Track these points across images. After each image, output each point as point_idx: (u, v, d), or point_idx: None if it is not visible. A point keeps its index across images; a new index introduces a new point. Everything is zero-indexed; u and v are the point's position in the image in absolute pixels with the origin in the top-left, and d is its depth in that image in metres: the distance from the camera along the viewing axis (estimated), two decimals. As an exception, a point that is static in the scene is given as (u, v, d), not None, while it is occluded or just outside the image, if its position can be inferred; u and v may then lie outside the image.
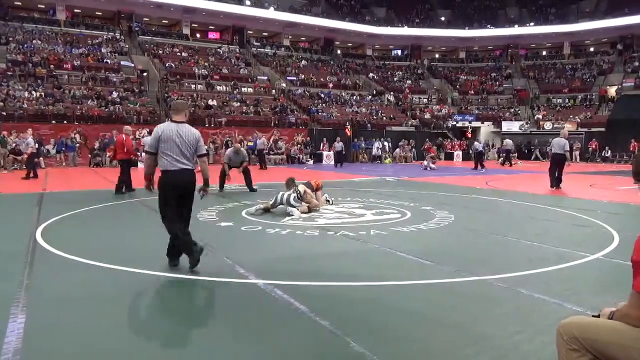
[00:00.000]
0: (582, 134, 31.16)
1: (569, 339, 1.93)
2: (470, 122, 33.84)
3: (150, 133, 14.06)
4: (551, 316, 3.30)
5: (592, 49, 44.03)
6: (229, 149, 12.07)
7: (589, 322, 1.96)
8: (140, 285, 4.21)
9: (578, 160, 27.35)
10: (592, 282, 4.33)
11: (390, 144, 28.69)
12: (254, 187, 11.39)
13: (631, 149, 27.18)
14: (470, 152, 26.53)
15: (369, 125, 30.97)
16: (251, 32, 41.30)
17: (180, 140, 4.49)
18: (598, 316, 2.03)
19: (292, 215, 7.59)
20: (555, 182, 12.50)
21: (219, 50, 36.65)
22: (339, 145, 23.65)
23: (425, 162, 21.46)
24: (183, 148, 4.50)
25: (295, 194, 7.95)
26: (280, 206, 7.99)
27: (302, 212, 7.72)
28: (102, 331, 3.17)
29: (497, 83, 41.67)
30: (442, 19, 46.66)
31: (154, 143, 4.52)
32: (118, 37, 33.65)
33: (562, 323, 2.00)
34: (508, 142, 25.58)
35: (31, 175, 14.29)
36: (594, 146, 30.03)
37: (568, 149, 12.73)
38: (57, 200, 8.24)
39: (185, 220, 4.60)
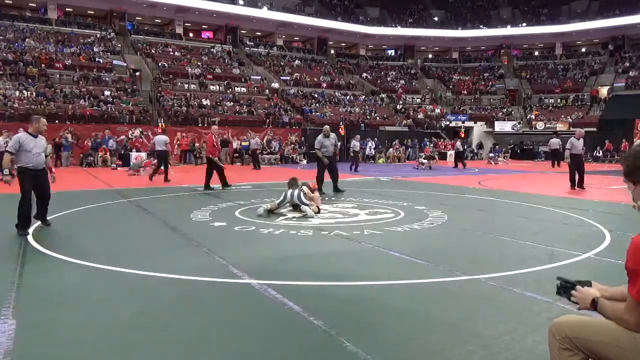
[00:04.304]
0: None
1: (561, 339, 1.94)
2: (463, 122, 33.98)
3: (165, 132, 15.35)
4: (543, 315, 3.32)
5: (583, 50, 44.36)
6: (319, 136, 11.00)
7: (582, 322, 1.96)
8: (132, 285, 4.19)
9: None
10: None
11: (379, 145, 28.55)
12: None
13: (622, 148, 27.40)
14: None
15: (362, 125, 31.03)
16: (244, 31, 41.21)
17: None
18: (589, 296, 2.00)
19: (306, 212, 7.54)
20: (577, 182, 12.30)
21: (212, 49, 36.54)
22: (357, 144, 20.87)
23: (421, 161, 21.57)
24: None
25: (303, 193, 7.91)
26: (283, 205, 7.95)
27: (313, 211, 7.68)
28: (94, 332, 3.15)
29: (490, 83, 41.89)
30: (436, 19, 46.81)
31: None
32: (110, 36, 33.44)
33: (554, 322, 2.01)
34: (553, 141, 24.22)
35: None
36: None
37: (569, 147, 12.74)
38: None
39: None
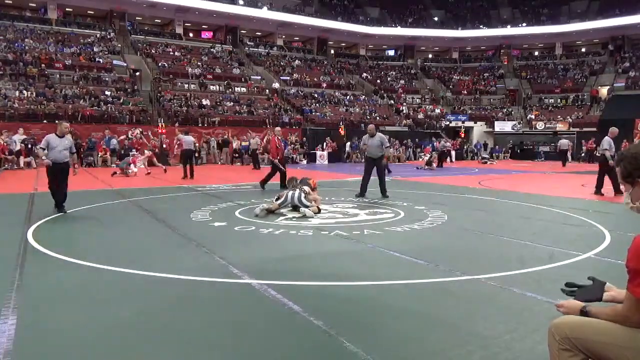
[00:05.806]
0: (574, 134, 31.42)
1: (560, 339, 1.94)
2: (463, 122, 34.00)
3: (187, 133, 16.43)
4: (543, 315, 3.32)
5: (583, 50, 44.36)
6: (364, 136, 10.47)
7: (581, 322, 1.96)
8: (132, 285, 4.19)
9: (570, 160, 27.57)
10: (584, 281, 4.35)
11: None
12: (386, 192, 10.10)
13: (622, 148, 27.40)
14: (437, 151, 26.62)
15: (362, 125, 31.02)
16: (244, 31, 41.20)
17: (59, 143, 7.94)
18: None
19: (306, 214, 7.53)
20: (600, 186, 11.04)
21: (212, 49, 36.54)
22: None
23: (423, 162, 21.66)
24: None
25: (304, 193, 7.89)
26: (283, 206, 7.96)
27: (313, 212, 7.67)
28: (93, 332, 3.15)
29: (490, 83, 41.89)
30: (436, 19, 46.80)
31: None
32: (110, 36, 33.45)
33: (554, 322, 2.01)
34: (563, 142, 24.35)
35: None
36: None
37: (602, 148, 11.40)
38: (48, 201, 8.24)
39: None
